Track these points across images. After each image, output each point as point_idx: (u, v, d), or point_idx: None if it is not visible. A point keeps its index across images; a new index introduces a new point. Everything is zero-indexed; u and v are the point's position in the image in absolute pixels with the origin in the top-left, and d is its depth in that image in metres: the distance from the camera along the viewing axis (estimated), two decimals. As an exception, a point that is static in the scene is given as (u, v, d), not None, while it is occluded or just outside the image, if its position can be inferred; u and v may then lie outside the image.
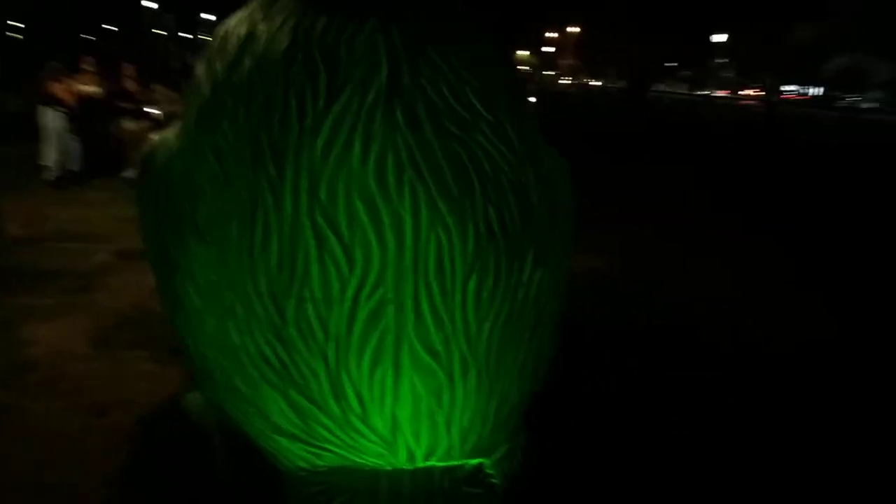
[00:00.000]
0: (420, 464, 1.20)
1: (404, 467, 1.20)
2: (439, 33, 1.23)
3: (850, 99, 32.90)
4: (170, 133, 1.41)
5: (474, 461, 1.25)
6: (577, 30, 45.95)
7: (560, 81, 45.13)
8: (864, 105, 29.95)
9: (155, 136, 1.46)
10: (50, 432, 1.73)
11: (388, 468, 1.20)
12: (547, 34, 46.79)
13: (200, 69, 1.33)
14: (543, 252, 1.23)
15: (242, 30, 1.26)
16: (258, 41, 1.21)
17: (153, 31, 25.24)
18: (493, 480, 1.26)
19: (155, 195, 1.31)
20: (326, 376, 1.13)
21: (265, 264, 1.11)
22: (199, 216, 1.18)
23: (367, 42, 1.15)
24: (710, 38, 38.31)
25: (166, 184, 1.27)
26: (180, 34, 27.84)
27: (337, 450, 1.19)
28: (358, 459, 1.20)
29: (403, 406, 1.14)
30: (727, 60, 41.66)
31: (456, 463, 1.23)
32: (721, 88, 41.34)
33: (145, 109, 5.25)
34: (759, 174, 7.28)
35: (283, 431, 1.20)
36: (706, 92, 39.83)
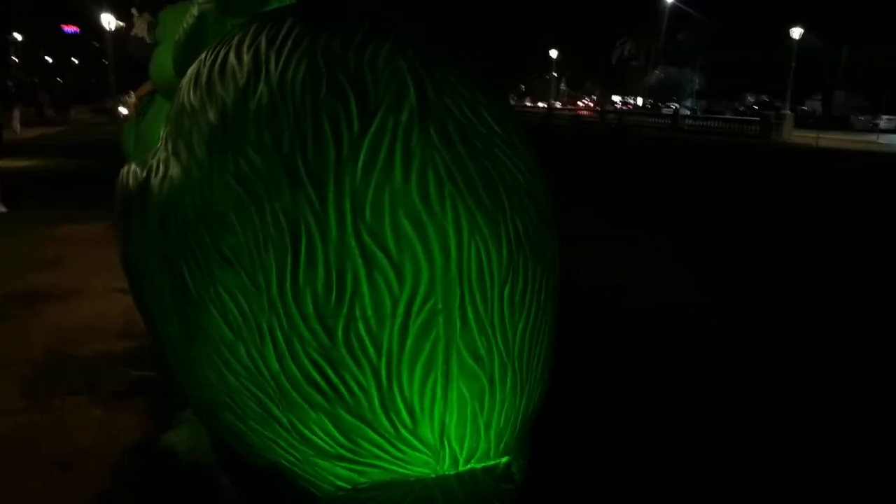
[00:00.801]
0: (462, 468, 1.25)
1: (448, 472, 1.24)
2: (446, 53, 1.30)
3: (670, 106, 36.67)
4: (143, 166, 1.37)
5: (504, 459, 1.31)
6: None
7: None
8: (681, 112, 33.28)
9: (131, 174, 1.41)
10: (15, 501, 1.58)
11: (433, 475, 1.23)
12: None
13: (187, 99, 1.32)
14: (553, 256, 1.34)
15: (243, 57, 1.25)
16: (270, 67, 1.21)
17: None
18: (517, 476, 1.34)
19: (160, 230, 1.26)
20: (377, 392, 1.15)
21: (311, 287, 1.12)
22: (226, 245, 1.16)
23: (390, 64, 1.19)
24: (549, 51, 40.61)
25: (175, 217, 1.23)
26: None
27: (384, 464, 1.21)
28: (404, 471, 1.22)
29: (451, 413, 1.19)
30: (557, 74, 44.54)
31: (492, 462, 1.29)
32: (556, 100, 44.02)
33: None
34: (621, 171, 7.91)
35: (325, 453, 1.20)
36: (548, 104, 42.12)
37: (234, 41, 1.32)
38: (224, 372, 1.22)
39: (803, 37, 22.85)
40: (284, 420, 1.20)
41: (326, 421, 1.17)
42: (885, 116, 28.17)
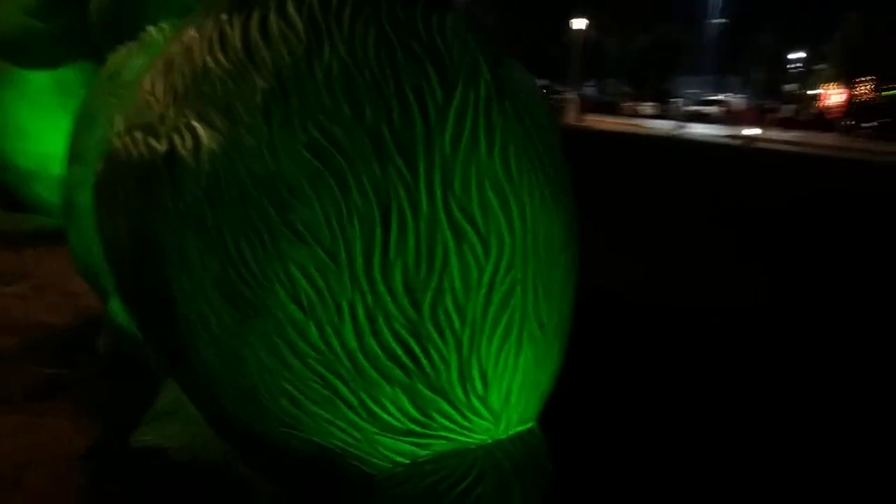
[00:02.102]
0: (511, 431, 1.30)
1: (501, 437, 1.29)
2: (483, 28, 1.32)
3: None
4: (152, 135, 1.23)
5: (532, 423, 1.39)
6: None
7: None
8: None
9: (140, 143, 1.25)
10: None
11: (489, 441, 1.27)
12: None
13: (207, 62, 1.21)
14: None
15: (294, 21, 1.17)
16: (333, 32, 1.15)
17: None
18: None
19: (206, 203, 1.15)
20: (457, 363, 1.16)
21: (402, 261, 1.10)
22: (298, 219, 1.10)
23: (459, 37, 1.19)
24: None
25: (227, 189, 1.13)
26: None
27: (450, 435, 1.22)
28: (466, 440, 1.24)
29: (517, 378, 1.23)
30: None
31: (528, 425, 1.35)
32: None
33: None
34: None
35: (392, 430, 1.19)
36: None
37: (268, 3, 1.22)
38: (286, 354, 1.15)
39: (583, 30, 25.04)
40: (353, 399, 1.16)
41: (402, 396, 1.16)
42: (647, 103, 31.86)
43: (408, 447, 1.22)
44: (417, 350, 1.13)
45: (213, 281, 1.17)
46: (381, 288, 1.10)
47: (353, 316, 1.12)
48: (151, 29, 1.74)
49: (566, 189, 1.30)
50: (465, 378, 1.17)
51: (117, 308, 1.75)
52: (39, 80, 3.24)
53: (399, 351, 1.13)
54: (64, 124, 3.30)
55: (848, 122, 31.19)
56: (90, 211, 1.71)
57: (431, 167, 1.10)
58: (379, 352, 1.13)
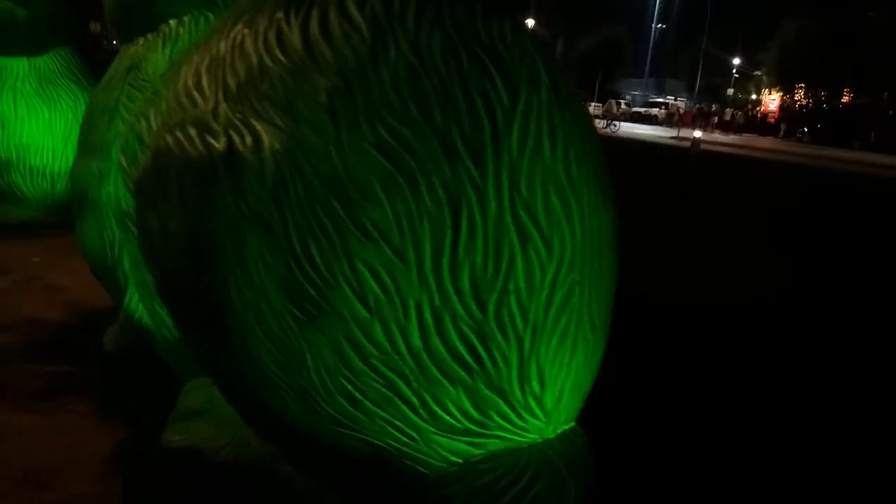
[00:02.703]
0: (559, 430, 1.33)
1: (550, 436, 1.31)
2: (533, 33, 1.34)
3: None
4: (207, 131, 1.21)
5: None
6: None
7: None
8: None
9: (196, 139, 1.22)
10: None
11: (540, 440, 1.30)
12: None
13: (261, 58, 1.20)
14: None
15: (356, 20, 1.17)
16: (398, 33, 1.15)
17: None
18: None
19: (271, 201, 1.13)
20: (517, 363, 1.18)
21: (470, 262, 1.11)
22: (367, 218, 1.10)
23: (519, 41, 1.21)
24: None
25: (294, 186, 1.12)
26: None
27: (505, 434, 1.24)
28: (519, 439, 1.27)
29: (570, 378, 1.26)
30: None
31: (571, 424, 1.39)
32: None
33: None
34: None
35: (451, 430, 1.20)
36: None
37: (325, 2, 1.22)
38: (349, 354, 1.15)
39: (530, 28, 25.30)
40: (415, 399, 1.17)
41: (463, 396, 1.18)
42: (592, 104, 32.44)
43: (463, 447, 1.23)
44: (481, 350, 1.15)
45: (275, 281, 1.16)
46: (449, 288, 1.12)
47: (420, 315, 1.12)
48: (172, 21, 1.70)
49: (611, 191, 1.34)
50: (523, 378, 1.19)
51: (135, 305, 1.71)
52: (18, 67, 3.11)
53: (463, 351, 1.14)
54: (42, 114, 3.20)
55: (784, 127, 32.47)
56: (109, 204, 1.66)
57: (500, 169, 1.12)
58: (444, 352, 1.14)
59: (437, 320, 1.13)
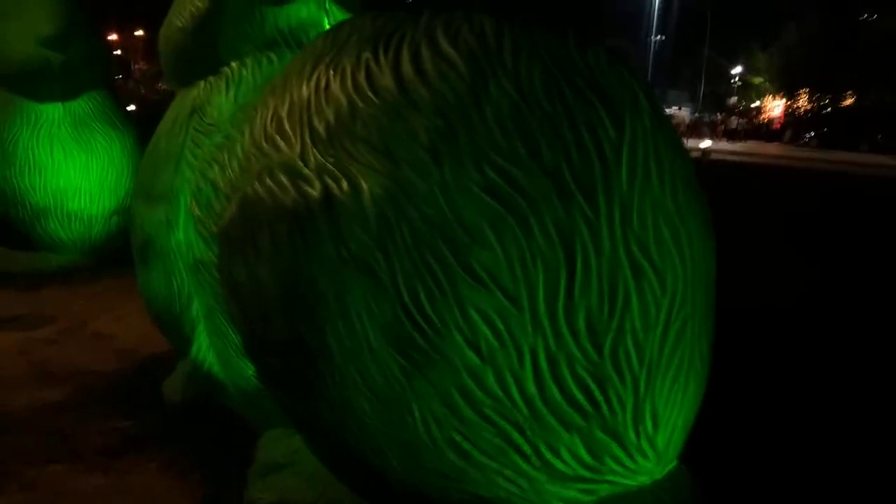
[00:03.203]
0: (666, 470, 1.27)
1: (658, 477, 1.26)
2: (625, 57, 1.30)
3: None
4: (300, 178, 1.17)
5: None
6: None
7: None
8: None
9: (290, 186, 1.19)
10: None
11: (649, 482, 1.24)
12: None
13: (353, 99, 1.16)
14: None
15: (452, 57, 1.13)
16: (496, 69, 1.12)
17: None
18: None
19: (376, 247, 1.09)
20: (633, 404, 1.13)
21: (586, 302, 1.07)
22: (478, 262, 1.06)
23: (614, 68, 1.17)
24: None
25: (399, 231, 1.08)
26: None
27: (616, 479, 1.19)
28: (630, 482, 1.21)
29: (681, 416, 1.21)
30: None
31: (676, 463, 1.33)
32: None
33: None
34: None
35: (563, 476, 1.15)
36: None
37: (415, 38, 1.18)
38: (460, 404, 1.11)
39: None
40: (527, 448, 1.12)
41: (578, 441, 1.13)
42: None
43: (574, 494, 1.18)
44: (597, 393, 1.10)
45: (380, 330, 1.11)
46: (565, 331, 1.07)
47: (535, 361, 1.08)
48: (233, 64, 1.68)
49: (709, 214, 1.29)
50: (638, 419, 1.14)
51: (204, 354, 1.67)
52: (53, 113, 3.10)
53: (579, 395, 1.10)
54: (79, 158, 3.19)
55: (790, 132, 32.41)
56: (179, 252, 1.63)
57: (611, 205, 1.08)
58: (559, 397, 1.09)
59: (553, 365, 1.08)
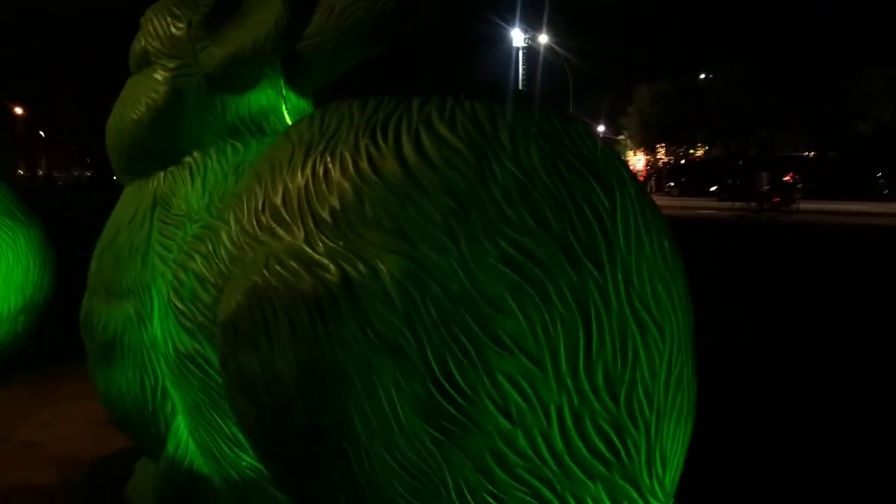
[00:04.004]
0: None
1: (662, 515, 1.34)
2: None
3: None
4: (313, 264, 1.20)
5: None
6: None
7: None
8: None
9: (307, 273, 1.21)
10: None
11: (656, 522, 1.32)
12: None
13: (357, 186, 1.22)
14: None
15: (451, 142, 1.22)
16: (497, 150, 1.21)
17: None
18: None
19: (404, 325, 1.13)
20: (646, 449, 1.22)
21: (603, 359, 1.15)
22: (502, 330, 1.12)
23: (593, 142, 1.30)
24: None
25: (425, 307, 1.13)
26: None
27: (633, 523, 1.26)
28: (643, 524, 1.29)
29: (681, 455, 1.31)
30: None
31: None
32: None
33: None
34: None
35: None
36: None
37: (412, 124, 1.26)
38: (492, 468, 1.15)
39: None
40: (556, 502, 1.18)
41: (602, 491, 1.19)
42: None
43: (594, 542, 1.23)
44: (617, 442, 1.18)
45: (410, 405, 1.14)
46: (586, 387, 1.15)
47: (560, 418, 1.14)
48: (195, 153, 1.68)
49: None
50: (651, 463, 1.23)
51: (184, 450, 1.60)
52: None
53: (601, 446, 1.17)
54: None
55: (651, 184, 35.02)
56: (155, 348, 1.58)
57: (615, 268, 1.18)
58: (584, 450, 1.16)
59: (577, 420, 1.15)
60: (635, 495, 1.23)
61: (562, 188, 1.19)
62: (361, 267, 1.17)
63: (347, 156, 1.27)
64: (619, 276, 1.18)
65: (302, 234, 1.26)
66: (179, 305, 1.47)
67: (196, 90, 1.67)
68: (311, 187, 1.28)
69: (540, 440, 1.14)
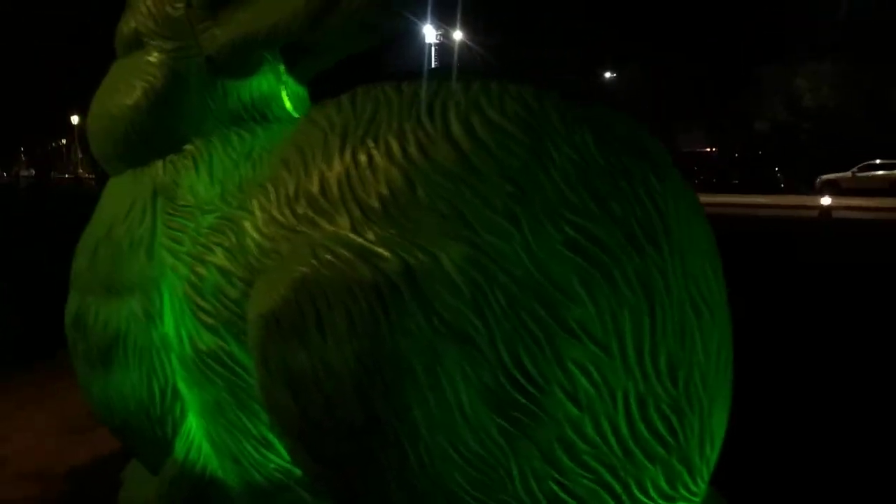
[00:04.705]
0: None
1: (704, 497, 1.36)
2: None
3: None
4: (367, 252, 1.15)
5: None
6: None
7: None
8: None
9: (364, 261, 1.15)
10: None
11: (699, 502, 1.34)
12: None
13: (408, 172, 1.18)
14: None
15: (504, 127, 1.19)
16: (552, 134, 1.19)
17: None
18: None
19: (473, 313, 1.10)
20: (699, 429, 1.23)
21: (665, 342, 1.16)
22: (572, 317, 1.11)
23: (632, 124, 1.29)
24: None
25: (494, 295, 1.10)
26: None
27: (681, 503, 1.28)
28: (690, 505, 1.31)
29: (722, 435, 1.33)
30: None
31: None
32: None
33: None
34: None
35: None
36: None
37: (460, 108, 1.22)
38: (560, 456, 1.14)
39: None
40: (618, 486, 1.18)
41: (660, 473, 1.20)
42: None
43: (649, 522, 1.24)
44: (676, 425, 1.19)
45: (478, 395, 1.11)
46: (651, 371, 1.15)
47: (626, 403, 1.14)
48: (197, 142, 1.58)
49: None
50: (702, 444, 1.24)
51: (195, 454, 1.51)
52: None
53: (663, 429, 1.17)
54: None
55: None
56: (168, 347, 1.48)
57: (672, 251, 1.19)
58: (647, 434, 1.16)
59: (642, 405, 1.15)
60: (688, 477, 1.24)
61: (618, 170, 1.19)
62: (419, 254, 1.13)
63: (393, 141, 1.22)
64: (676, 260, 1.19)
65: (347, 222, 1.20)
66: (199, 301, 1.38)
67: (196, 73, 1.57)
68: (354, 174, 1.23)
69: (607, 426, 1.14)
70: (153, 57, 1.57)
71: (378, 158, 1.22)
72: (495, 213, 1.14)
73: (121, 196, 1.61)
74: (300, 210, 1.27)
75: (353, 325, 1.13)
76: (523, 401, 1.11)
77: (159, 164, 1.58)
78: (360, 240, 1.17)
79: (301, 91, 1.76)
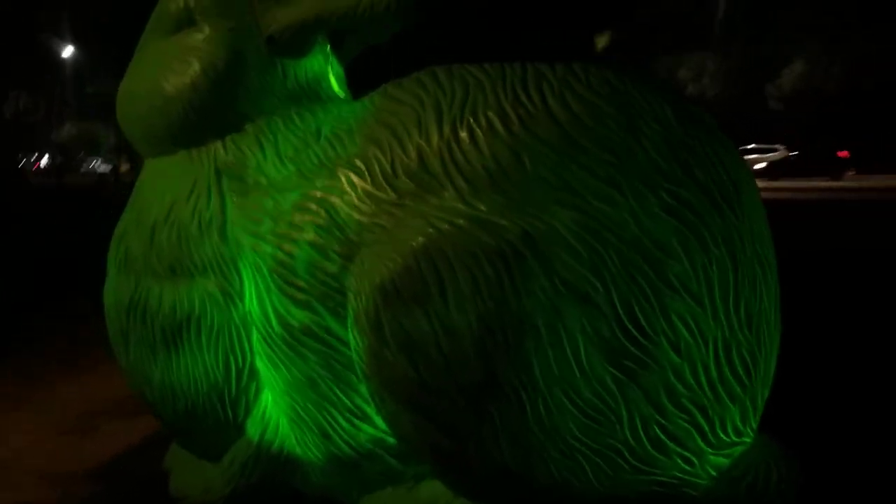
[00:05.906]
0: None
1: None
2: None
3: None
4: (477, 221, 1.24)
5: None
6: None
7: None
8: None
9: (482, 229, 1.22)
10: None
11: (749, 441, 1.49)
12: None
13: (494, 147, 1.27)
14: None
15: (587, 96, 1.30)
16: (641, 108, 1.31)
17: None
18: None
19: (592, 274, 1.21)
20: (763, 370, 1.39)
21: (745, 294, 1.31)
22: (672, 274, 1.24)
23: (684, 99, 1.43)
24: None
25: (608, 255, 1.21)
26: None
27: (746, 440, 1.42)
28: (747, 444, 1.46)
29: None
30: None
31: None
32: None
33: None
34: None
35: (724, 446, 1.36)
36: None
37: (553, 86, 1.32)
38: (664, 400, 1.26)
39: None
40: (706, 426, 1.32)
41: (737, 412, 1.35)
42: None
43: (723, 461, 1.39)
44: (751, 366, 1.34)
45: (595, 348, 1.22)
46: (734, 320, 1.30)
47: (716, 350, 1.28)
48: (258, 120, 1.59)
49: None
50: (764, 385, 1.41)
51: (273, 433, 1.54)
52: None
53: (742, 372, 1.33)
54: None
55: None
56: (250, 324, 1.49)
57: (743, 211, 1.34)
58: (730, 376, 1.31)
59: (727, 350, 1.29)
60: (752, 417, 1.40)
61: (694, 139, 1.32)
62: (535, 221, 1.22)
63: (494, 117, 1.30)
64: (746, 220, 1.34)
65: (455, 194, 1.28)
66: (291, 278, 1.41)
67: (255, 53, 1.58)
68: (457, 149, 1.30)
69: (701, 370, 1.27)
70: (209, 35, 1.57)
71: (480, 133, 1.30)
72: (600, 182, 1.24)
73: (178, 177, 1.59)
74: (401, 185, 1.32)
75: (477, 289, 1.21)
76: (635, 351, 1.23)
77: (219, 143, 1.58)
78: (471, 210, 1.25)
79: (340, 71, 1.79)
